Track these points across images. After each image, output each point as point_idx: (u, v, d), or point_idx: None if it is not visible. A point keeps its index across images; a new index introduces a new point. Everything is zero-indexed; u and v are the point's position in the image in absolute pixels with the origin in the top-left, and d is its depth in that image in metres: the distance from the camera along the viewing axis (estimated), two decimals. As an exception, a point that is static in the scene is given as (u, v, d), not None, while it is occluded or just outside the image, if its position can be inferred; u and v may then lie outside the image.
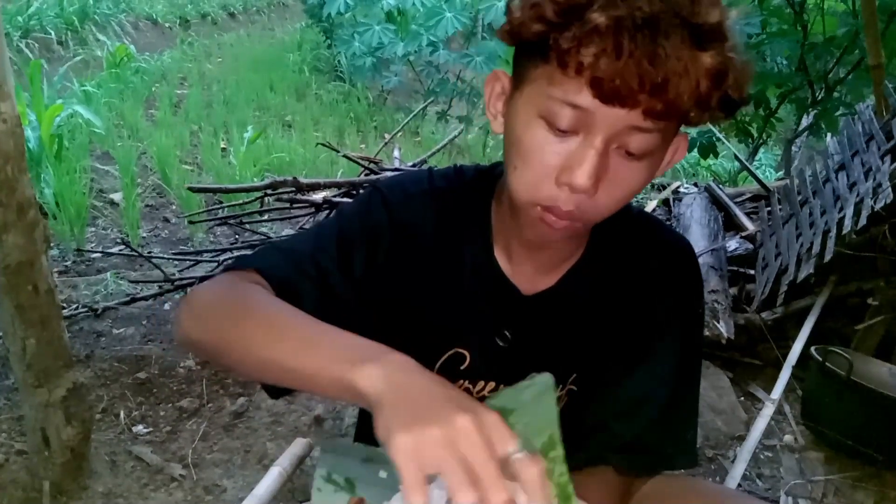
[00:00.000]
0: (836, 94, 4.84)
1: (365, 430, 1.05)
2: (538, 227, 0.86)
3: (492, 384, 1.01)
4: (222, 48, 8.34)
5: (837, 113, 5.03)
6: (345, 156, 3.44)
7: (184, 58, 7.48)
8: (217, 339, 0.82)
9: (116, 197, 3.91)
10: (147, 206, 3.98)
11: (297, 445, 2.04)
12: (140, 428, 2.17)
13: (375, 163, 3.40)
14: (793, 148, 5.88)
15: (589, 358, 0.99)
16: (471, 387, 1.01)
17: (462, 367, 1.00)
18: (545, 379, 0.90)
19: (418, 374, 0.66)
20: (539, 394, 0.89)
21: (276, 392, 0.94)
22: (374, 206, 0.98)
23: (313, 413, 2.28)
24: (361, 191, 3.19)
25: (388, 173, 3.29)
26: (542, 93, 0.78)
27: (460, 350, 1.00)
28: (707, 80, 0.73)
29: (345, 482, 0.85)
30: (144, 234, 3.63)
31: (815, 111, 5.16)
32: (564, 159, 0.78)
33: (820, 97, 4.83)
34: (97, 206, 3.82)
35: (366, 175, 3.36)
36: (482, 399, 0.95)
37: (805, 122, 5.42)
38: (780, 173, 5.81)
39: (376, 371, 0.65)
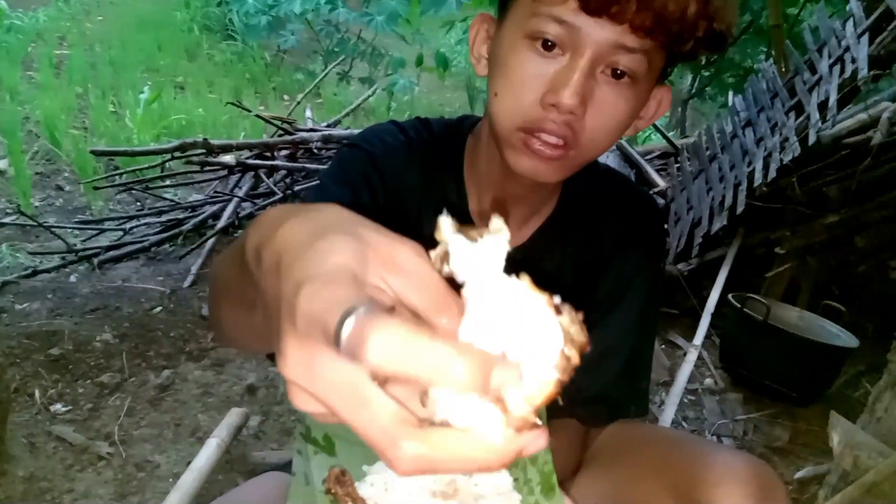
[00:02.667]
0: (728, 56, 5.06)
1: None
2: (524, 158, 0.84)
3: None
4: (102, 6, 7.79)
5: (727, 74, 5.28)
6: (257, 115, 3.30)
7: (60, 15, 6.94)
8: (220, 323, 0.72)
9: (2, 164, 3.61)
10: (36, 173, 3.70)
11: (234, 415, 1.99)
12: (58, 407, 2.03)
13: (290, 123, 3.28)
14: (685, 111, 6.13)
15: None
16: None
17: None
18: None
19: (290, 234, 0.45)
20: None
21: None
22: (356, 158, 0.96)
23: (245, 382, 2.20)
24: (278, 152, 3.08)
25: (304, 134, 3.19)
26: (527, 12, 0.77)
27: None
28: (695, 3, 0.73)
29: (324, 440, 0.82)
30: (37, 203, 3.37)
31: (708, 73, 5.40)
32: (550, 80, 0.78)
33: (714, 58, 5.03)
34: (-21, 173, 3.52)
35: (280, 136, 3.24)
36: None
37: (699, 83, 5.65)
38: (671, 133, 6.06)
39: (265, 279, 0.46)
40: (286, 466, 1.02)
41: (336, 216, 0.45)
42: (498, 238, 0.40)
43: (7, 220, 3.04)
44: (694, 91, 5.85)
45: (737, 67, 5.56)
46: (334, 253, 0.40)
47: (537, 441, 0.38)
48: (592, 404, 1.01)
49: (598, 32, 0.74)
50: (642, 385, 1.08)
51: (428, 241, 0.96)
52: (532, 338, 0.38)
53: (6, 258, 2.74)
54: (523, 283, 0.39)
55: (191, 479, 1.72)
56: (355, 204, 0.77)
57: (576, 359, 0.39)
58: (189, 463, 1.78)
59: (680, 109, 6.01)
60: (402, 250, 0.43)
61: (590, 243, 1.02)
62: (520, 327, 0.37)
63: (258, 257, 0.46)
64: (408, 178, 0.96)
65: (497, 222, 0.41)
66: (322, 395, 0.37)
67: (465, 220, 0.95)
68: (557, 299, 0.40)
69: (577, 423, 1.02)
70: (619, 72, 0.78)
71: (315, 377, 0.36)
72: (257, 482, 1.02)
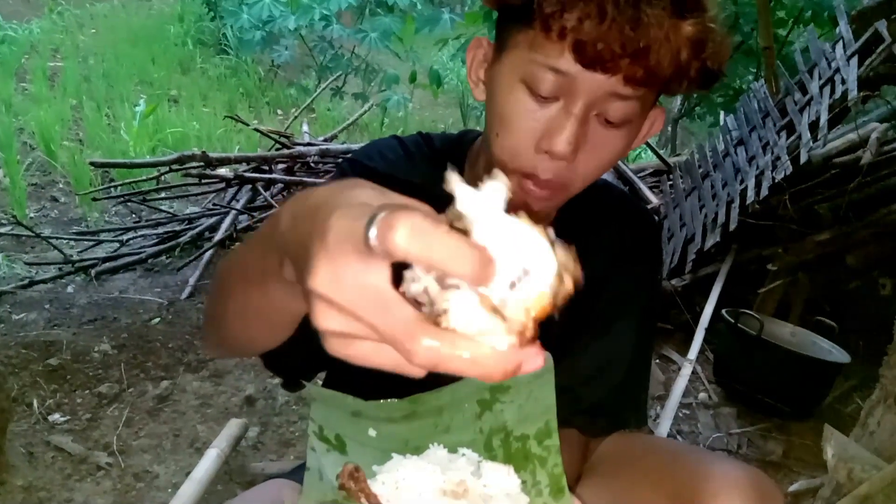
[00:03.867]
0: (718, 77, 5.13)
1: (332, 385, 1.03)
2: (518, 196, 0.86)
3: None
4: (95, 19, 7.80)
5: (716, 94, 5.34)
6: (256, 129, 3.32)
7: (54, 28, 6.95)
8: (219, 324, 0.75)
9: (-3, 175, 3.62)
10: (31, 184, 3.69)
11: (233, 426, 1.99)
12: (57, 416, 2.03)
13: (287, 137, 3.30)
14: (676, 129, 6.20)
15: (555, 325, 1.02)
16: None
17: None
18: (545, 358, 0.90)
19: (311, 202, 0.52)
20: (537, 374, 0.90)
21: (290, 384, 0.94)
22: (357, 174, 0.96)
23: (244, 393, 2.21)
24: (275, 165, 3.10)
25: (301, 148, 3.21)
26: (524, 58, 0.79)
27: None
28: (687, 49, 0.75)
29: (335, 440, 0.84)
30: (32, 214, 3.37)
31: (695, 95, 5.46)
32: (545, 125, 0.80)
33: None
34: (-25, 185, 3.52)
35: (277, 150, 3.26)
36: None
37: (690, 103, 5.71)
38: (663, 151, 6.12)
39: (287, 250, 0.53)
40: (286, 476, 1.04)
41: (362, 181, 0.51)
42: (497, 184, 0.46)
43: (3, 230, 3.04)
44: (683, 111, 5.92)
45: (726, 88, 5.62)
46: (362, 195, 0.47)
47: (535, 359, 0.44)
48: (592, 415, 1.03)
49: (593, 82, 0.76)
50: (641, 396, 1.10)
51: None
52: (531, 260, 0.43)
53: (2, 268, 2.74)
54: (522, 220, 0.45)
55: (190, 489, 1.72)
56: None
57: (569, 284, 0.45)
58: (188, 473, 1.78)
59: (670, 129, 6.07)
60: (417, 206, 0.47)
61: (588, 256, 1.03)
62: (520, 254, 0.43)
63: (293, 218, 0.52)
64: (409, 191, 0.98)
65: (497, 174, 0.46)
66: (348, 302, 0.41)
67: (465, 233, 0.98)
68: (552, 232, 0.45)
69: (578, 434, 1.03)
70: (610, 117, 0.80)
71: (342, 285, 0.41)
72: (258, 491, 1.03)
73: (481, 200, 0.45)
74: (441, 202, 0.99)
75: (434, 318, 0.42)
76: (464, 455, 0.79)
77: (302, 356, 0.88)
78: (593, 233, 1.03)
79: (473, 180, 1.00)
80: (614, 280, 1.03)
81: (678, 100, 5.84)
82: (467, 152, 1.00)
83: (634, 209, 1.09)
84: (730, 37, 0.83)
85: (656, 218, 3.24)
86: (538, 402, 0.87)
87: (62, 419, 2.02)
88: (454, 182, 0.47)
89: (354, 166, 0.98)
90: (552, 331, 0.96)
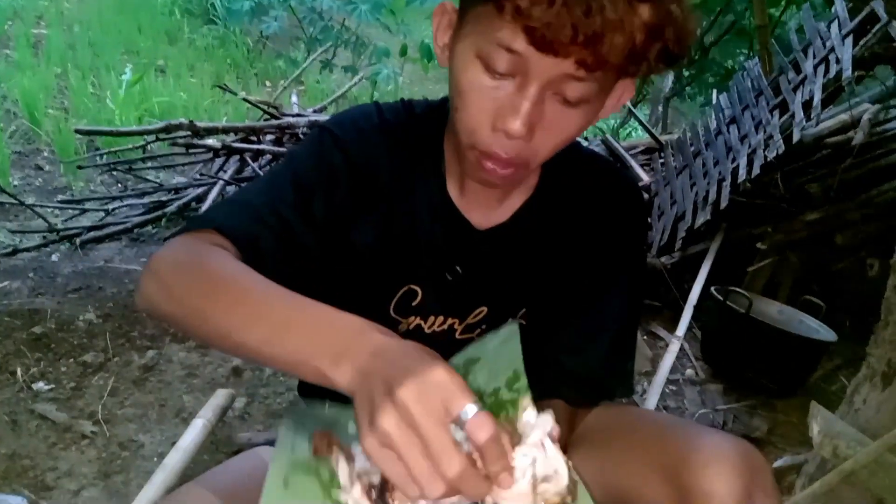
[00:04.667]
0: (710, 56, 5.12)
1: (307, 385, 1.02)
2: (479, 172, 0.87)
3: (441, 318, 1.01)
4: (81, -14, 7.68)
5: (708, 74, 5.34)
6: (245, 99, 3.28)
7: (38, -6, 6.83)
8: (185, 312, 0.78)
9: (-21, 142, 3.55)
10: (15, 152, 3.64)
11: (220, 396, 1.97)
12: (41, 385, 2.00)
13: (276, 107, 3.26)
14: (659, 108, 6.19)
15: (539, 293, 1.01)
16: (422, 322, 1.01)
17: (414, 304, 1.00)
18: (510, 328, 0.91)
19: (389, 357, 0.64)
20: (504, 340, 0.90)
21: None
22: (326, 146, 0.96)
23: (231, 364, 2.20)
24: (264, 136, 3.07)
25: (290, 119, 3.17)
26: (480, 33, 0.77)
27: (413, 286, 0.99)
28: (642, 35, 0.73)
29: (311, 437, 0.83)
30: (16, 182, 3.32)
31: (687, 74, 5.46)
32: (500, 104, 0.79)
33: (696, 57, 5.08)
34: (-43, 152, 3.46)
35: (265, 120, 3.22)
36: (448, 343, 0.96)
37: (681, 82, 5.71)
38: (654, 129, 6.12)
39: (350, 368, 0.64)
40: (272, 444, 1.03)
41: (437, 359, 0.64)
42: (547, 417, 0.68)
43: (-11, 198, 3.00)
44: (675, 90, 5.90)
45: (718, 67, 5.62)
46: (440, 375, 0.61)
47: None
48: (578, 385, 1.02)
49: (547, 65, 0.75)
50: (627, 367, 1.09)
51: (404, 223, 0.98)
52: (554, 471, 0.65)
53: (-15, 236, 2.71)
54: (556, 445, 0.67)
55: (176, 458, 1.71)
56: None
57: (574, 496, 0.66)
58: (174, 443, 1.77)
59: (661, 108, 6.06)
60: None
61: (572, 225, 1.03)
62: (548, 467, 0.65)
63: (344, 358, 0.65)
64: (383, 161, 0.96)
65: (549, 411, 0.70)
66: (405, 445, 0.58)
67: (443, 201, 0.97)
68: (570, 463, 0.67)
69: (564, 405, 1.03)
70: (569, 98, 0.79)
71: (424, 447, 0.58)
72: (242, 458, 1.02)
73: (536, 423, 0.68)
74: (394, 177, 0.99)
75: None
76: None
77: None
78: (579, 203, 1.02)
79: (452, 148, 0.99)
80: (599, 248, 1.03)
81: (669, 79, 5.82)
82: (448, 119, 0.98)
83: (621, 180, 1.08)
84: (693, 15, 0.81)
85: (647, 195, 3.23)
86: (505, 358, 0.88)
87: (46, 388, 2.00)
88: (527, 406, 0.70)
89: (324, 135, 0.96)
90: (535, 298, 0.95)
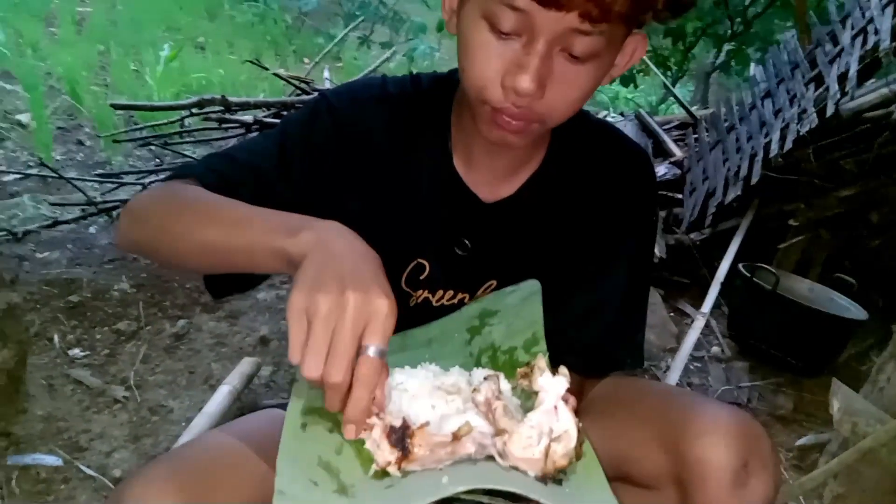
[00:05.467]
0: (753, 30, 4.99)
1: None
2: (495, 129, 0.86)
3: (450, 293, 1.02)
4: (124, -37, 7.80)
5: (753, 47, 5.20)
6: (276, 74, 3.32)
7: (83, -28, 6.96)
8: (155, 234, 0.85)
9: (24, 118, 3.65)
10: (58, 127, 3.74)
11: (246, 364, 2.03)
12: (76, 351, 2.08)
13: (307, 83, 3.29)
14: (708, 83, 6.07)
15: (547, 265, 1.01)
16: (430, 296, 1.02)
17: (422, 277, 1.01)
18: (531, 284, 0.92)
19: (343, 240, 0.71)
20: (524, 297, 0.91)
21: (218, 291, 0.95)
22: (319, 112, 0.97)
23: (258, 334, 2.25)
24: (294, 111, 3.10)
25: (322, 94, 3.20)
26: None
27: (421, 260, 1.00)
28: None
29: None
30: (58, 157, 3.42)
31: (730, 47, 5.33)
32: (508, 62, 0.79)
33: (738, 31, 4.97)
34: (3, 127, 3.56)
35: (297, 95, 3.25)
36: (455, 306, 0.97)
37: (722, 57, 5.58)
38: (695, 107, 6.01)
39: (308, 236, 0.70)
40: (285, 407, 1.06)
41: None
42: (562, 378, 0.72)
43: (30, 172, 3.09)
44: (716, 65, 5.78)
45: (762, 41, 5.48)
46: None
47: None
48: (586, 355, 1.03)
49: (550, 19, 0.75)
50: (637, 337, 1.10)
51: (407, 195, 0.99)
52: (567, 431, 0.70)
53: (28, 209, 2.79)
54: (569, 405, 0.71)
55: (202, 422, 1.77)
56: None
57: (580, 453, 0.71)
58: (201, 409, 1.83)
59: (703, 83, 5.95)
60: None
61: (580, 196, 1.03)
62: (559, 424, 0.70)
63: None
64: (378, 132, 0.97)
65: (563, 370, 0.73)
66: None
67: (449, 174, 0.97)
68: (579, 422, 0.72)
69: (572, 374, 1.04)
70: (576, 54, 0.79)
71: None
72: (260, 413, 1.05)
73: (552, 383, 0.71)
74: (396, 150, 1.01)
75: (498, 430, 0.69)
76: (455, 368, 0.80)
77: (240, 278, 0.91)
78: (587, 174, 1.02)
79: (460, 120, 0.99)
80: (607, 219, 1.03)
81: (710, 54, 5.71)
82: (456, 91, 0.99)
83: (629, 150, 1.07)
84: None
85: (679, 171, 3.19)
86: (525, 318, 0.90)
87: (81, 354, 2.08)
88: (542, 365, 0.74)
89: (320, 103, 0.98)
90: (543, 270, 0.95)
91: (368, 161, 0.97)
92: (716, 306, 2.66)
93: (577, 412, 1.06)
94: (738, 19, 5.05)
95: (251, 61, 3.43)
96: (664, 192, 3.06)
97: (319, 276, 0.66)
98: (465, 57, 0.83)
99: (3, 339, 1.75)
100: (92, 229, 2.75)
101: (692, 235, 2.81)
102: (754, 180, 2.57)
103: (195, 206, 0.82)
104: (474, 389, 0.74)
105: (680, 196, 3.04)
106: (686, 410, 0.89)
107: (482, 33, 0.79)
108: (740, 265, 2.46)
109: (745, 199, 2.73)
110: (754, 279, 2.35)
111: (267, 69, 3.36)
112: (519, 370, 0.76)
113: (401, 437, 0.69)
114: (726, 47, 5.68)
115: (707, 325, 2.60)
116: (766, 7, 4.88)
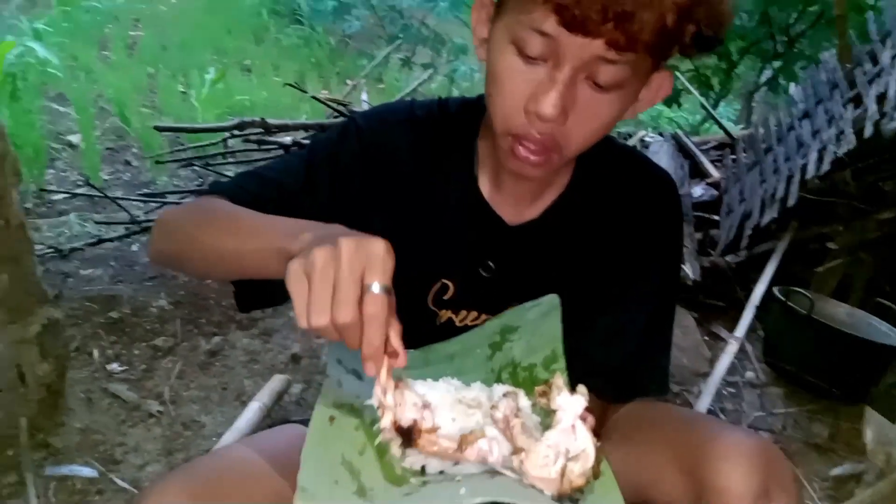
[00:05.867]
0: (796, 48, 4.92)
1: None
2: (513, 160, 0.88)
3: (474, 313, 1.03)
4: (176, -11, 8.04)
5: (798, 66, 5.12)
6: (313, 97, 3.39)
7: (137, -2, 7.20)
8: (181, 245, 0.90)
9: (75, 139, 3.79)
10: (107, 148, 3.87)
11: (276, 381, 2.07)
12: (115, 366, 2.15)
13: (344, 105, 3.35)
14: (752, 102, 5.99)
15: (571, 288, 1.01)
16: (454, 316, 1.03)
17: (446, 297, 1.02)
18: (551, 299, 0.92)
19: (344, 231, 0.72)
20: (544, 313, 0.92)
21: (245, 305, 0.98)
22: (347, 133, 1.00)
23: (290, 351, 2.29)
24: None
25: (358, 116, 3.25)
26: (514, 19, 0.80)
27: (445, 281, 1.02)
28: (673, 14, 0.74)
29: (352, 372, 0.88)
30: (106, 177, 3.54)
31: (776, 65, 5.26)
32: (533, 87, 0.80)
33: (782, 50, 4.90)
34: (55, 147, 3.70)
35: (335, 118, 3.32)
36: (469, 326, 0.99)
37: (766, 75, 5.50)
38: (741, 126, 5.93)
39: (309, 235, 0.72)
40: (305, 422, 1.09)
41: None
42: (580, 398, 0.72)
43: (77, 191, 3.20)
44: (761, 83, 5.70)
45: (808, 60, 5.40)
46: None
47: None
48: (608, 379, 1.03)
49: (577, 45, 0.76)
50: (662, 363, 1.09)
51: (433, 217, 1.02)
52: (582, 449, 0.69)
53: (74, 227, 2.90)
54: (587, 425, 0.71)
55: (231, 438, 1.81)
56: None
57: (597, 464, 0.70)
58: (232, 424, 1.88)
59: (748, 102, 5.87)
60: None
61: (605, 220, 1.03)
62: (577, 444, 0.69)
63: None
64: (404, 154, 0.99)
65: (582, 389, 0.74)
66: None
67: (474, 197, 0.99)
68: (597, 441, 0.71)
69: (594, 398, 1.04)
70: (600, 80, 0.80)
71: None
72: (282, 428, 1.08)
73: (571, 402, 0.71)
74: (422, 171, 1.03)
75: (515, 448, 0.70)
76: (476, 383, 0.82)
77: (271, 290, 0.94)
78: (612, 199, 1.03)
79: (486, 143, 1.01)
80: (631, 243, 1.03)
81: (754, 72, 5.63)
82: (483, 115, 1.01)
83: (654, 173, 1.08)
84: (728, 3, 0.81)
85: (716, 192, 3.16)
86: (544, 335, 0.90)
87: (119, 369, 2.14)
88: (560, 384, 0.75)
89: (349, 125, 1.01)
90: (568, 294, 0.96)
91: (395, 182, 0.99)
92: (752, 330, 2.61)
93: (597, 433, 1.07)
94: (783, 38, 4.98)
95: (290, 84, 3.51)
96: (700, 214, 3.03)
97: (314, 243, 0.68)
98: (491, 81, 0.85)
99: (43, 354, 1.82)
100: (134, 247, 2.83)
101: (728, 258, 2.78)
102: (791, 202, 2.53)
103: (217, 218, 0.86)
104: (493, 406, 0.75)
105: (716, 217, 3.01)
106: (707, 435, 0.89)
107: (509, 58, 0.81)
108: (775, 289, 2.42)
109: (783, 221, 2.68)
110: (789, 303, 2.31)
111: (305, 92, 3.44)
112: (537, 388, 0.77)
113: (407, 434, 0.72)
114: (771, 66, 5.61)
115: (742, 350, 2.56)
116: (809, 25, 4.80)
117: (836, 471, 2.01)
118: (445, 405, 0.75)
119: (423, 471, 0.72)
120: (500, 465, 0.70)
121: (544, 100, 0.78)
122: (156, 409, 2.00)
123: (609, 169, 1.03)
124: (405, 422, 0.71)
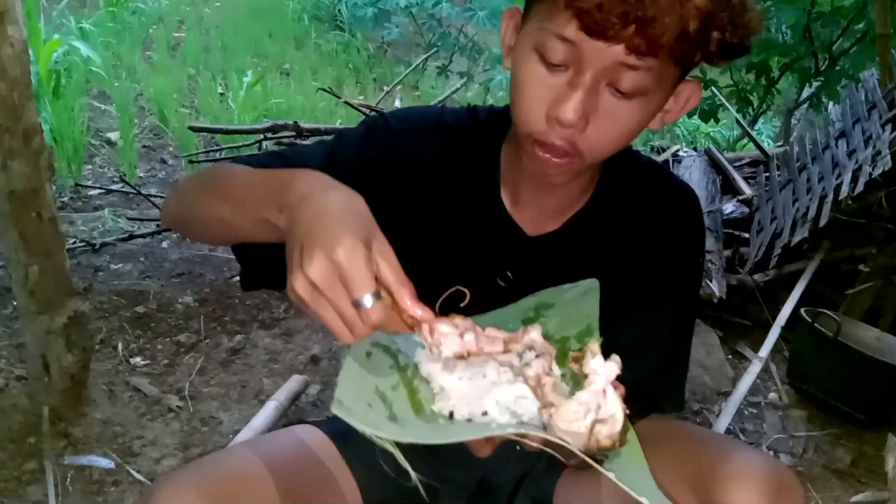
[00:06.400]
0: (839, 66, 4.83)
1: None
2: (535, 162, 0.88)
3: None
4: (221, -7, 8.20)
5: (840, 85, 5.02)
6: (346, 102, 3.42)
7: (182, 1, 7.34)
8: (186, 209, 0.93)
9: (114, 136, 3.89)
10: (144, 146, 3.96)
11: (294, 382, 2.09)
12: (138, 360, 2.19)
13: (376, 111, 3.38)
14: (792, 120, 5.88)
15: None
16: None
17: (461, 305, 1.03)
18: (590, 282, 0.93)
19: (317, 200, 0.74)
20: (582, 294, 0.93)
21: (249, 284, 1.00)
22: (375, 130, 1.00)
23: (310, 352, 2.31)
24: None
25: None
26: (538, 27, 0.80)
27: (461, 288, 1.02)
28: (696, 20, 0.74)
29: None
30: (142, 174, 3.62)
31: (818, 82, 5.16)
32: (555, 93, 0.80)
33: (823, 68, 4.81)
34: (94, 144, 3.80)
35: (367, 123, 3.34)
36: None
37: (807, 92, 5.40)
38: (778, 144, 5.83)
39: (283, 217, 0.75)
40: (312, 422, 1.10)
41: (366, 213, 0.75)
42: (612, 365, 0.72)
43: (112, 187, 3.28)
44: (801, 101, 5.60)
45: (850, 78, 5.29)
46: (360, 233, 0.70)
47: None
48: (627, 397, 1.03)
49: (599, 51, 0.76)
50: (678, 380, 1.10)
51: (455, 223, 1.01)
52: (614, 415, 0.70)
53: (108, 222, 2.97)
54: (618, 392, 0.72)
55: (246, 436, 1.83)
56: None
57: (624, 437, 0.71)
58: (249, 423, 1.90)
59: (786, 119, 5.77)
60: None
61: (625, 235, 1.03)
62: (608, 406, 0.70)
63: (303, 199, 0.74)
64: (430, 159, 1.00)
65: (616, 357, 0.74)
66: (326, 289, 0.67)
67: (496, 206, 0.98)
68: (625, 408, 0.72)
69: None
70: (622, 87, 0.79)
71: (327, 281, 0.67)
72: (288, 431, 1.10)
73: (604, 367, 0.72)
74: (446, 177, 1.02)
75: (545, 403, 0.71)
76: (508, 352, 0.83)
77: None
78: (633, 213, 1.03)
79: (510, 154, 1.01)
80: (652, 259, 1.03)
81: (794, 90, 5.54)
82: (510, 125, 1.01)
83: (677, 189, 1.07)
84: (757, 7, 0.80)
85: (747, 210, 3.12)
86: (581, 311, 0.91)
87: (142, 363, 2.18)
88: (595, 349, 0.74)
89: (378, 121, 1.02)
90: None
91: (418, 187, 1.00)
92: (777, 351, 2.58)
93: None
94: (825, 55, 4.89)
95: (324, 89, 3.54)
96: (730, 231, 2.99)
97: (302, 251, 0.69)
98: (514, 88, 0.86)
99: (69, 345, 1.86)
100: (164, 244, 2.89)
101: (756, 276, 2.73)
102: (822, 222, 2.49)
103: (216, 184, 0.89)
104: (526, 364, 0.76)
105: (746, 235, 2.97)
106: (719, 454, 0.89)
107: (532, 65, 0.82)
108: (803, 310, 2.37)
109: (814, 241, 2.63)
110: (815, 325, 2.27)
111: (339, 97, 3.48)
112: (571, 353, 0.77)
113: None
114: (813, 83, 5.51)
115: (766, 371, 2.52)
116: (852, 44, 4.71)
117: (857, 497, 1.96)
118: (478, 361, 0.77)
119: (451, 416, 0.74)
120: (527, 418, 0.72)
121: (565, 106, 0.79)
122: (175, 404, 2.03)
123: (632, 183, 1.03)
124: (455, 354, 0.75)
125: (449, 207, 1.01)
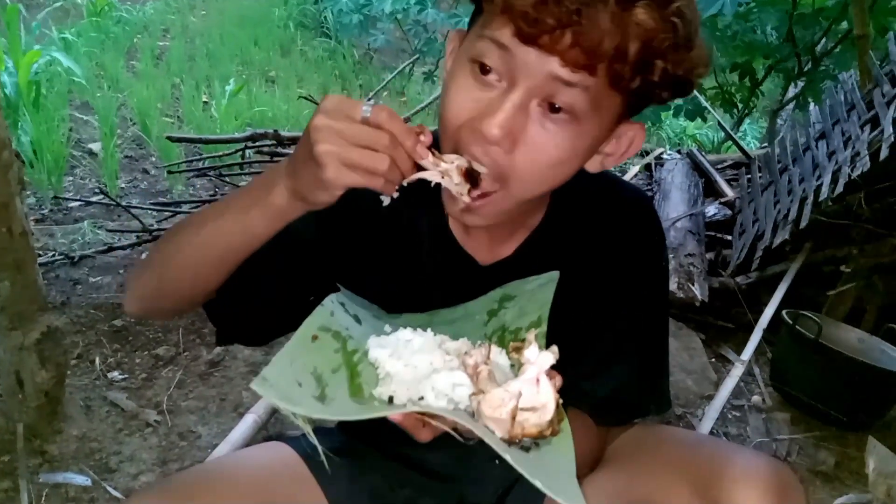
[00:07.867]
0: (822, 67, 4.84)
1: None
2: (450, 202, 0.87)
3: None
4: (207, 1, 8.18)
5: (822, 84, 5.04)
6: (327, 110, 3.40)
7: (167, 9, 7.32)
8: (161, 267, 0.90)
9: (95, 147, 3.87)
10: (126, 157, 3.94)
11: (273, 395, 2.06)
12: (115, 374, 2.17)
13: (359, 119, 3.37)
14: (777, 121, 5.90)
15: (553, 322, 1.01)
16: None
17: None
18: (551, 274, 0.94)
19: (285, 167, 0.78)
20: (541, 285, 0.94)
21: (223, 339, 1.01)
22: None
23: (290, 364, 2.29)
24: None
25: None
26: (476, 35, 0.78)
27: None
28: (637, 41, 0.72)
29: (353, 317, 0.91)
30: (123, 185, 3.60)
31: (802, 82, 5.18)
32: (483, 106, 0.77)
33: (807, 68, 4.82)
34: (76, 155, 3.78)
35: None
36: None
37: (791, 93, 5.42)
38: (763, 145, 5.84)
39: (281, 186, 0.78)
40: (285, 440, 1.09)
41: None
42: (549, 355, 0.74)
43: (91, 199, 3.26)
44: (785, 101, 5.62)
45: (833, 78, 5.31)
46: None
47: None
48: (605, 407, 1.03)
49: (533, 62, 0.74)
50: (659, 382, 1.09)
51: (408, 259, 1.05)
52: (542, 403, 0.72)
53: (88, 234, 2.95)
54: (553, 382, 0.73)
55: (225, 450, 1.81)
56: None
57: (556, 422, 0.73)
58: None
59: (768, 120, 5.79)
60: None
61: (582, 249, 1.01)
62: (538, 397, 0.72)
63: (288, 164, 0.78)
64: (373, 195, 0.99)
65: (554, 348, 0.75)
66: (355, 151, 0.72)
67: (446, 238, 0.97)
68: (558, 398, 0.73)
69: (591, 420, 1.03)
70: (556, 106, 0.76)
71: (346, 136, 0.72)
72: (263, 447, 1.09)
73: (538, 357, 0.74)
74: (405, 213, 1.02)
75: (476, 390, 0.72)
76: (463, 338, 0.84)
77: (258, 314, 0.93)
78: (586, 229, 1.02)
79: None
80: (612, 270, 1.02)
81: (778, 91, 5.56)
82: None
83: (629, 197, 1.06)
84: (704, 43, 0.79)
85: (730, 212, 3.12)
86: (535, 302, 0.92)
87: (120, 377, 2.16)
88: (531, 339, 0.76)
89: None
90: (548, 328, 0.96)
91: (369, 226, 0.98)
92: (760, 353, 2.57)
93: (599, 463, 1.05)
94: (807, 56, 4.90)
95: (304, 97, 3.53)
96: (712, 234, 2.99)
97: (283, 178, 0.77)
98: (443, 99, 0.83)
99: (42, 361, 1.84)
100: (144, 256, 2.86)
101: (738, 279, 2.73)
102: (803, 224, 2.48)
103: (185, 224, 0.89)
104: (466, 353, 0.78)
105: (729, 237, 2.96)
106: (719, 456, 0.90)
107: (465, 77, 0.80)
108: (784, 312, 2.37)
109: (796, 243, 2.63)
110: (797, 327, 2.26)
111: (318, 104, 3.45)
112: (512, 344, 0.80)
113: (471, 176, 0.79)
114: (797, 84, 5.52)
115: (749, 373, 2.52)
116: (835, 45, 4.72)
117: (841, 500, 1.95)
118: (426, 349, 0.78)
119: (390, 401, 0.75)
120: (464, 405, 0.74)
121: (491, 119, 0.75)
122: (153, 419, 2.01)
123: (582, 197, 1.00)
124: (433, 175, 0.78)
125: (401, 245, 1.00)
